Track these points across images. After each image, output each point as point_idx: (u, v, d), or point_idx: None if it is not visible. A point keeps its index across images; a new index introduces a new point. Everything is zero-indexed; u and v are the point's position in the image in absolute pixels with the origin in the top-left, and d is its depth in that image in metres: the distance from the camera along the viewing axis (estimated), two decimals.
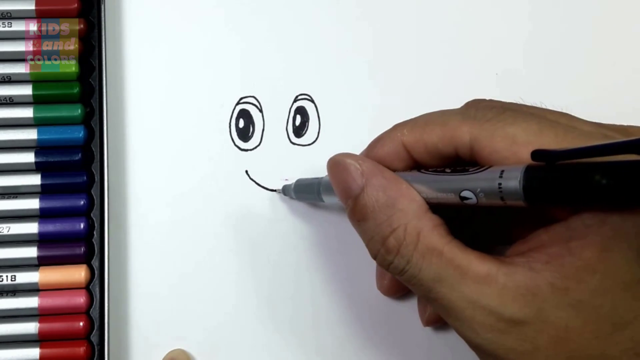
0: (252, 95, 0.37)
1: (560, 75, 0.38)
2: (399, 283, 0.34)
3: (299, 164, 0.37)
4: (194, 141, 0.37)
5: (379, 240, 0.27)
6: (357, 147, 0.31)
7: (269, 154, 0.37)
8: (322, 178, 0.33)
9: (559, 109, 0.27)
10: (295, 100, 0.37)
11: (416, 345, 0.36)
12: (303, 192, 0.35)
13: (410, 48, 0.38)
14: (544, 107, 0.28)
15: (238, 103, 0.37)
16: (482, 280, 0.25)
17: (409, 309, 0.36)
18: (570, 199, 0.23)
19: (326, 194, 0.32)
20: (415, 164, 0.29)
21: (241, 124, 0.37)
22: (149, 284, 0.35)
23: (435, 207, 0.27)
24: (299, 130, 0.37)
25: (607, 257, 0.23)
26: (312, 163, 0.37)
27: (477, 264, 0.25)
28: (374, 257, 0.28)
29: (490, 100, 0.28)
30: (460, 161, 0.27)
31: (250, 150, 0.37)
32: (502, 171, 0.24)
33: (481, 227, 0.30)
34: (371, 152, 0.30)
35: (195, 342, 0.35)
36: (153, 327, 0.35)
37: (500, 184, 0.24)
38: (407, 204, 0.27)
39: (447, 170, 0.27)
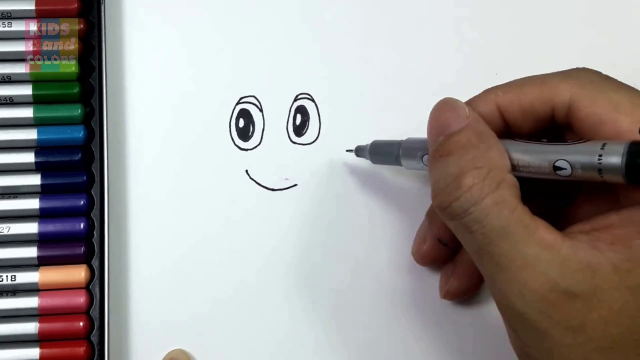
0: (252, 94, 0.37)
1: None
2: (437, 250, 0.33)
3: (300, 163, 0.37)
4: (194, 141, 0.37)
5: (455, 173, 0.26)
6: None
7: (269, 153, 0.37)
8: (402, 140, 0.32)
9: None
10: (296, 99, 0.37)
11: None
12: (380, 154, 0.34)
13: (410, 47, 0.38)
14: None
15: (238, 103, 0.37)
16: (546, 246, 0.24)
17: (418, 311, 0.36)
18: None
19: (406, 157, 0.32)
20: (507, 131, 0.28)
21: (241, 123, 0.37)
22: (149, 284, 0.35)
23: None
24: (300, 130, 0.37)
25: None
26: (312, 162, 0.37)
27: (544, 230, 0.25)
28: (436, 194, 0.27)
29: (593, 68, 0.27)
30: (555, 127, 0.27)
31: (251, 149, 0.37)
32: (604, 144, 0.24)
33: (542, 205, 0.29)
34: None
35: (195, 342, 0.35)
36: (153, 327, 0.35)
37: (600, 156, 0.24)
38: (497, 156, 0.26)
39: (544, 140, 0.27)
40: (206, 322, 0.35)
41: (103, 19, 0.36)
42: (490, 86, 0.29)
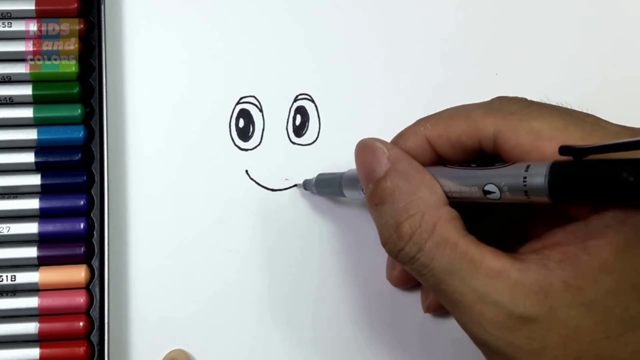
0: (252, 95, 0.37)
1: (561, 76, 0.38)
2: (408, 274, 0.33)
3: (299, 164, 0.37)
4: (194, 141, 0.37)
5: (393, 224, 0.27)
6: None
7: (269, 153, 0.37)
8: (344, 172, 0.33)
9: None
10: (296, 100, 0.37)
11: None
12: (324, 186, 0.34)
13: (410, 48, 0.38)
14: (568, 106, 0.27)
15: (238, 103, 0.37)
16: (495, 275, 0.25)
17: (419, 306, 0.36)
18: (596, 197, 0.23)
19: (348, 188, 0.32)
20: (439, 159, 0.29)
21: (241, 123, 0.37)
22: (149, 284, 0.35)
23: (455, 204, 0.27)
24: (299, 130, 0.37)
25: (626, 257, 0.23)
26: (312, 163, 0.37)
27: (490, 258, 0.25)
28: (385, 243, 0.28)
29: (514, 96, 0.28)
30: (485, 156, 0.27)
31: (250, 150, 0.37)
32: (528, 166, 0.24)
33: (496, 225, 0.29)
34: None
35: (195, 342, 0.35)
36: (153, 327, 0.35)
37: (525, 178, 0.24)
38: (427, 194, 0.27)
39: (473, 165, 0.27)
40: (206, 322, 0.35)
41: (103, 19, 0.36)
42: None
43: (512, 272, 0.24)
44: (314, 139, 0.37)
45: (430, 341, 0.36)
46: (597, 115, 0.27)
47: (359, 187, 0.30)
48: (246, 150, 0.37)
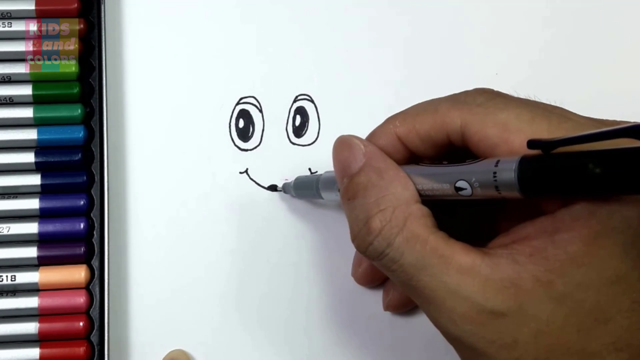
0: (252, 95, 0.37)
1: (561, 76, 0.38)
2: (373, 272, 0.34)
3: (299, 164, 0.37)
4: (194, 141, 0.37)
5: (363, 218, 0.27)
6: None
7: (269, 154, 0.37)
8: (321, 174, 0.33)
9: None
10: (295, 100, 0.37)
11: (418, 345, 0.36)
12: (302, 188, 0.35)
13: (410, 48, 0.38)
14: (536, 100, 0.27)
15: (238, 103, 0.37)
16: (465, 271, 0.25)
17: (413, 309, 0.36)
18: (564, 190, 0.23)
19: (324, 190, 0.32)
20: (412, 156, 0.29)
21: (241, 124, 0.37)
22: (149, 284, 0.35)
23: (427, 202, 0.27)
24: (299, 131, 0.37)
25: (593, 251, 0.23)
26: (312, 163, 0.37)
27: (461, 254, 0.25)
28: (354, 238, 0.28)
29: (481, 87, 0.28)
30: (457, 151, 0.27)
31: (250, 150, 0.37)
32: (498, 161, 0.24)
33: (468, 220, 0.29)
34: None
35: (195, 342, 0.35)
36: (153, 327, 0.35)
37: (495, 173, 0.24)
38: (400, 190, 0.27)
39: (445, 162, 0.27)
40: (206, 322, 0.35)
41: (103, 19, 0.36)
42: (488, 86, 0.29)
43: (482, 268, 0.24)
44: (314, 139, 0.37)
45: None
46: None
47: (336, 189, 0.31)
48: (246, 150, 0.37)
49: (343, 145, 0.29)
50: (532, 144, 0.23)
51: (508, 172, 0.23)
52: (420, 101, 0.29)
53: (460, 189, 0.25)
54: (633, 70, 0.39)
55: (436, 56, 0.38)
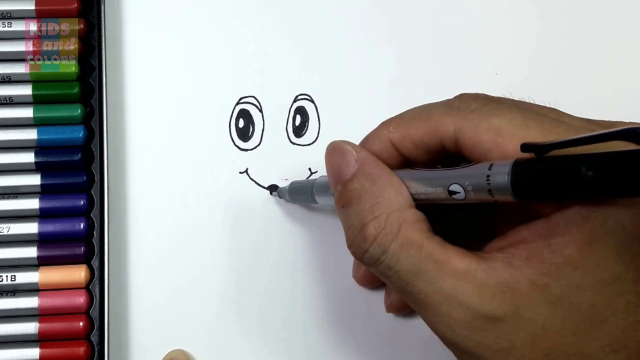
0: (252, 95, 0.37)
1: (561, 76, 0.38)
2: (371, 273, 0.34)
3: (299, 164, 0.37)
4: (194, 141, 0.37)
5: (358, 226, 0.27)
6: None
7: (269, 153, 0.37)
8: (315, 179, 0.33)
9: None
10: (295, 100, 0.37)
11: (415, 346, 0.36)
12: (297, 193, 0.35)
13: (410, 48, 0.38)
14: (531, 101, 0.27)
15: (238, 103, 0.37)
16: (461, 276, 0.25)
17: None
18: (558, 193, 0.23)
19: (319, 195, 0.32)
20: (405, 161, 0.29)
21: (241, 123, 0.37)
22: (149, 284, 0.35)
23: (422, 206, 0.27)
24: (299, 130, 0.37)
25: (589, 254, 0.23)
26: (312, 163, 0.37)
27: (456, 259, 0.25)
28: (350, 245, 0.28)
29: (475, 92, 0.28)
30: (450, 155, 0.27)
31: (250, 150, 0.37)
32: (492, 165, 0.24)
33: (463, 224, 0.29)
34: None
35: (195, 342, 0.35)
36: (153, 327, 0.35)
37: (488, 177, 0.24)
38: (393, 196, 0.27)
39: (439, 166, 0.27)
40: (206, 322, 0.35)
41: (103, 19, 0.36)
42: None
43: (478, 272, 0.24)
44: (314, 139, 0.37)
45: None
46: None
47: (330, 194, 0.30)
48: (246, 150, 0.37)
49: (335, 151, 0.29)
50: (525, 147, 0.23)
51: (501, 176, 0.23)
52: (420, 100, 0.29)
53: (454, 192, 0.25)
54: (633, 70, 0.39)
55: (436, 56, 0.38)
